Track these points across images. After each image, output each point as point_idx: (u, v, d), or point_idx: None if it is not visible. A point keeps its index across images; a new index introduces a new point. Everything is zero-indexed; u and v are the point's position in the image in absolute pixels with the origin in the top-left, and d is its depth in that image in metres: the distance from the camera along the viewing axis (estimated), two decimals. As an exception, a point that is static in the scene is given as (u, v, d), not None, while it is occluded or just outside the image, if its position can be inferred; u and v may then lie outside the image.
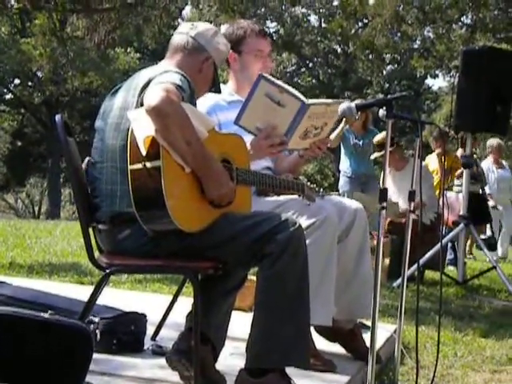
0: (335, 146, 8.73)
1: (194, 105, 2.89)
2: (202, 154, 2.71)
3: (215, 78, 3.16)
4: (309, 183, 3.47)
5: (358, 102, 3.23)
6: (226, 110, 3.58)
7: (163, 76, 2.75)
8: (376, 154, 7.92)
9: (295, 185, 3.37)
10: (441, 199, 7.13)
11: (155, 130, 2.60)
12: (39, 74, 26.56)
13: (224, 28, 3.70)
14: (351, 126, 8.35)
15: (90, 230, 2.94)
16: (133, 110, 2.75)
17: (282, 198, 3.50)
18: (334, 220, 3.40)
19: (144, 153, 2.64)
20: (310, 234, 3.28)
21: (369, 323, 3.13)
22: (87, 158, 3.00)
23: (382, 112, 3.02)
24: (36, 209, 40.23)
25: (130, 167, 2.69)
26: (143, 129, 2.64)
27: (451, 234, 7.20)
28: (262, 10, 29.60)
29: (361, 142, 8.47)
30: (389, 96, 3.08)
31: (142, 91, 2.78)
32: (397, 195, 7.55)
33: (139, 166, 2.66)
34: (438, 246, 6.67)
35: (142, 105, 2.70)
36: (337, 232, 3.44)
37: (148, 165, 2.65)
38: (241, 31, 3.65)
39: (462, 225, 7.11)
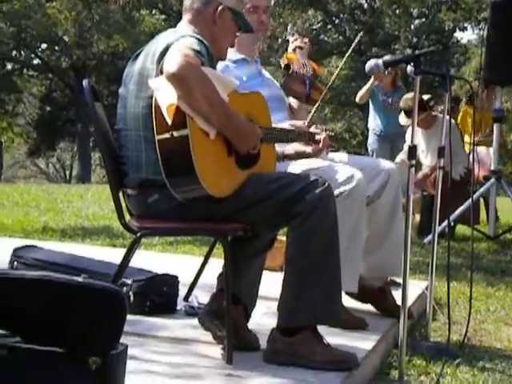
0: (363, 103, 8.63)
1: (214, 68, 2.88)
2: (226, 113, 2.71)
3: (239, 22, 3.06)
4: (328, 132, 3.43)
5: (385, 58, 3.18)
6: (233, 70, 3.61)
7: (180, 41, 2.72)
8: (404, 122, 7.65)
9: (316, 134, 3.37)
10: (471, 154, 7.09)
11: (178, 96, 2.59)
12: (65, 38, 26.58)
13: None
14: (380, 83, 8.22)
15: (121, 194, 2.97)
16: (154, 79, 2.74)
17: (310, 164, 3.45)
18: (362, 188, 3.39)
19: (170, 122, 2.63)
20: (338, 203, 3.26)
21: (400, 280, 3.14)
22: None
23: (409, 68, 2.98)
24: (67, 173, 40.56)
25: (157, 137, 2.68)
26: (166, 97, 2.63)
27: (482, 189, 7.15)
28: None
29: (390, 99, 8.35)
30: (416, 51, 3.04)
31: (160, 58, 2.76)
32: (425, 154, 7.47)
33: (166, 135, 2.66)
34: (469, 201, 6.63)
35: (161, 72, 2.69)
36: (365, 200, 3.43)
37: (175, 134, 2.65)
38: None
39: (492, 179, 7.06)
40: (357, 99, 8.35)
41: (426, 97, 7.20)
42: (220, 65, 3.51)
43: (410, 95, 7.36)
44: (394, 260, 3.60)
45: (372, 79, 8.03)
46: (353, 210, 3.35)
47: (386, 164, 3.66)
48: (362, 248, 3.50)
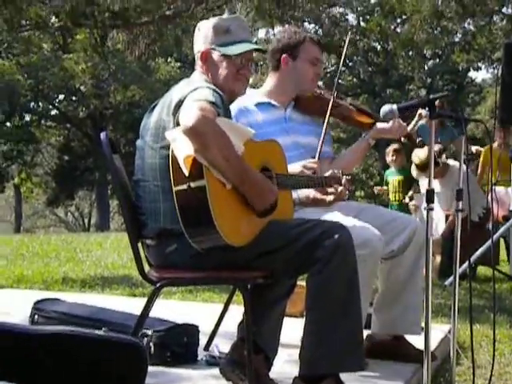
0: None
1: (229, 117, 2.90)
2: (242, 169, 2.72)
3: (231, 51, 3.02)
4: (345, 176, 3.35)
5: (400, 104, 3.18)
6: (253, 113, 3.61)
7: (196, 93, 2.74)
8: (415, 175, 7.67)
9: (333, 179, 3.31)
10: (489, 195, 7.05)
11: (194, 150, 2.60)
12: (82, 88, 26.91)
13: (280, 31, 3.73)
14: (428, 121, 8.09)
15: (139, 244, 2.98)
16: (170, 131, 2.76)
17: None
18: (378, 253, 3.26)
19: (187, 173, 2.65)
20: None
21: (423, 324, 3.10)
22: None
23: (424, 112, 2.98)
24: (86, 221, 40.75)
25: (174, 188, 2.70)
26: (183, 149, 2.65)
27: (502, 229, 7.09)
28: (300, 11, 29.55)
29: (438, 139, 8.23)
30: (430, 96, 3.03)
31: (175, 110, 2.79)
32: (439, 200, 7.41)
33: (184, 186, 2.68)
34: (489, 242, 6.59)
35: (178, 124, 2.71)
36: (378, 266, 3.38)
37: (192, 185, 2.66)
38: (299, 36, 3.65)
39: (512, 219, 7.01)
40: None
41: (436, 148, 7.16)
42: (239, 106, 3.53)
43: (421, 151, 7.38)
44: (410, 318, 3.53)
45: (416, 118, 7.92)
46: (364, 274, 3.09)
47: (413, 221, 3.64)
48: (367, 308, 3.39)
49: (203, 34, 3.07)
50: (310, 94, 3.75)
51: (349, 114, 3.79)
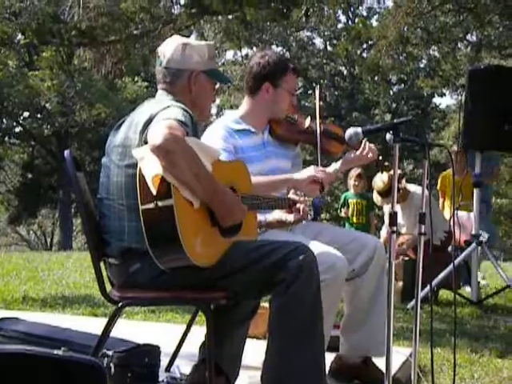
0: None
1: (198, 137, 2.90)
2: (213, 186, 2.72)
3: (215, 78, 3.13)
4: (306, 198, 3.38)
5: (365, 127, 3.22)
6: (236, 138, 3.60)
7: (165, 112, 2.74)
8: (379, 202, 7.77)
9: (296, 202, 3.33)
10: (451, 219, 7.11)
11: (163, 168, 2.59)
12: (48, 106, 26.73)
13: (262, 55, 3.67)
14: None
15: (102, 263, 2.95)
16: (138, 149, 2.74)
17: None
18: (342, 276, 3.27)
19: (154, 192, 2.64)
20: None
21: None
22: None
23: (388, 136, 3.01)
24: (48, 240, 40.29)
25: (141, 207, 2.68)
26: (151, 167, 2.64)
27: (464, 254, 7.15)
28: (268, 34, 29.75)
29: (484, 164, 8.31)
30: (395, 120, 3.07)
31: (143, 128, 2.78)
32: (401, 225, 7.47)
33: (151, 205, 2.66)
34: (451, 266, 6.63)
35: (145, 143, 2.70)
36: (343, 288, 3.38)
37: (160, 204, 2.65)
38: (284, 66, 3.67)
39: (474, 244, 7.07)
40: None
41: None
42: (226, 128, 3.56)
43: (381, 177, 7.45)
44: (378, 339, 3.51)
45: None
46: (328, 299, 3.10)
47: (373, 239, 3.66)
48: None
49: (197, 53, 3.06)
50: (283, 118, 3.77)
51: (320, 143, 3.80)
